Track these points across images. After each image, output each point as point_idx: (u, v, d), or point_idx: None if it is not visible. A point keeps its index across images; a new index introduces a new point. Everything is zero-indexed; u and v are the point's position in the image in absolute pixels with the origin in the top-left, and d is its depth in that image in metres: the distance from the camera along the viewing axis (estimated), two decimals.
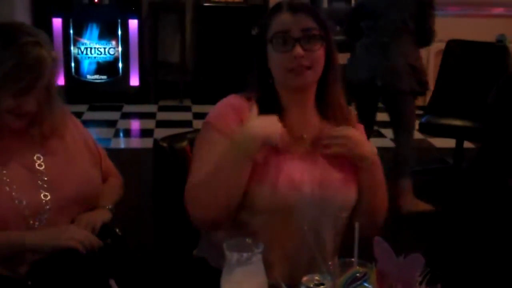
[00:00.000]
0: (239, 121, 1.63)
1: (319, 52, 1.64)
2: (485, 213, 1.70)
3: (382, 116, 6.08)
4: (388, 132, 4.95)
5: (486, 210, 1.69)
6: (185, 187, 1.62)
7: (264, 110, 1.64)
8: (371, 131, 4.29)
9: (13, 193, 1.66)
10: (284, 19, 1.64)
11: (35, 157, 1.73)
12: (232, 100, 1.70)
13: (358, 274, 1.16)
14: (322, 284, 1.23)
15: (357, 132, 1.70)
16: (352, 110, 1.81)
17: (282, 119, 1.65)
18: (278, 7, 1.68)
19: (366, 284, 1.16)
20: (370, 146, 1.70)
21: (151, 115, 6.16)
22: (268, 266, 1.29)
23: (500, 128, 1.68)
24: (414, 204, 3.98)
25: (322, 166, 1.67)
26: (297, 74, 1.62)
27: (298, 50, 1.60)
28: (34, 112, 1.67)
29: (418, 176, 4.63)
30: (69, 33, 6.30)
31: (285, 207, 1.60)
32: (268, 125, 1.58)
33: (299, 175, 1.63)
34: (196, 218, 1.62)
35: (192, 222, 1.63)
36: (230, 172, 1.56)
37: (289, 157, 1.64)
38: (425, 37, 3.98)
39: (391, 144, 4.88)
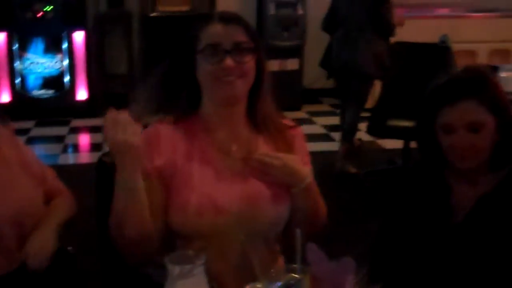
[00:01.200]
0: (152, 156, 1.63)
1: (250, 64, 1.64)
2: (425, 210, 1.74)
3: (331, 120, 6.13)
4: (336, 135, 5.01)
5: (426, 207, 1.73)
6: None
7: (190, 129, 1.65)
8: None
9: None
10: (215, 31, 1.63)
11: None
12: (149, 133, 1.68)
13: (292, 281, 1.17)
14: None
15: (289, 160, 1.65)
16: (288, 118, 1.80)
17: (210, 135, 1.66)
18: (209, 18, 1.67)
19: None
20: (301, 174, 1.65)
21: (100, 129, 6.06)
22: (211, 278, 1.29)
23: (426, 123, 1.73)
24: (344, 166, 4.82)
25: (252, 182, 1.65)
26: (227, 83, 1.61)
27: (229, 62, 1.60)
28: None
29: (368, 177, 4.70)
30: (13, 49, 6.17)
31: (212, 232, 1.59)
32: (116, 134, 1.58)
33: (224, 197, 1.61)
34: (123, 256, 1.61)
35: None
36: (125, 209, 1.54)
37: (216, 176, 1.62)
38: (383, 29, 4.64)
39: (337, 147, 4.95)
